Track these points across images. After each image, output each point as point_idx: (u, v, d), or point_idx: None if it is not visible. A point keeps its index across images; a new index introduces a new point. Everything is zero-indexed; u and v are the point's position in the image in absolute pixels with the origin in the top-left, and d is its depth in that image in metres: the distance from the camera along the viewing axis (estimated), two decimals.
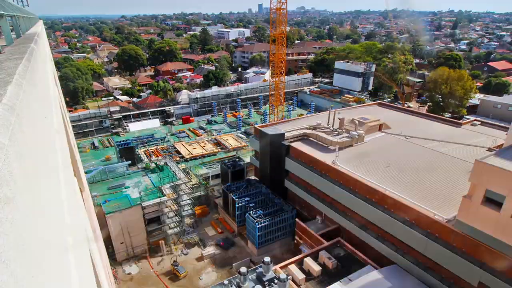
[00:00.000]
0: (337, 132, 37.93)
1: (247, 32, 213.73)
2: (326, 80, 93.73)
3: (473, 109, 64.67)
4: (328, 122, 40.40)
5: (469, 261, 21.60)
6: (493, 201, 20.25)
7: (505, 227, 19.87)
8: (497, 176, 19.51)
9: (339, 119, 39.08)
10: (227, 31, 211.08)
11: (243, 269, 23.65)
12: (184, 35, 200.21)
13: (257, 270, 25.01)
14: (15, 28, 11.07)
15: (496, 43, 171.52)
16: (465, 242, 21.81)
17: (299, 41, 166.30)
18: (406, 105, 70.57)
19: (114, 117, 63.29)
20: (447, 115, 63.66)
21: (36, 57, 7.06)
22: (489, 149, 34.55)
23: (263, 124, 45.79)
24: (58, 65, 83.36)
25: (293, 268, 26.94)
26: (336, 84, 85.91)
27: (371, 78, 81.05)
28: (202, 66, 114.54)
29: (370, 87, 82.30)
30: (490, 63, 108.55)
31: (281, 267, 26.96)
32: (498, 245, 20.23)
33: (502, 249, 20.08)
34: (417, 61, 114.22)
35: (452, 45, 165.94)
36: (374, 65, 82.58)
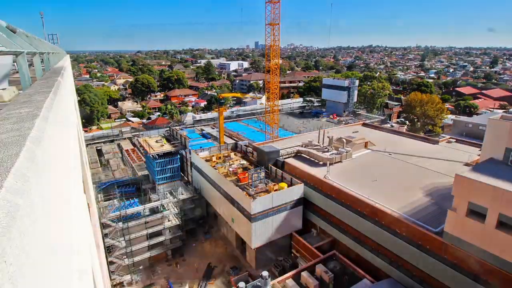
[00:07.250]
0: (327, 149, 36.52)
1: (246, 64, 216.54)
2: (316, 104, 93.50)
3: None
4: (319, 140, 39.14)
5: (461, 273, 19.54)
6: (477, 213, 18.56)
7: (491, 238, 18.04)
8: (477, 189, 18.00)
9: (328, 137, 37.85)
10: (228, 63, 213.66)
11: (242, 284, 21.28)
12: (191, 67, 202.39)
13: (255, 285, 22.62)
14: (45, 62, 11.32)
15: (460, 72, 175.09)
16: (455, 253, 19.82)
17: (290, 71, 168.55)
18: (389, 124, 69.83)
19: (124, 137, 61.71)
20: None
21: (61, 90, 7.20)
22: (466, 164, 33.16)
23: (260, 142, 44.40)
24: (78, 91, 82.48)
25: (290, 282, 24.36)
26: (324, 97, 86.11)
27: (355, 92, 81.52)
28: (206, 92, 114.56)
29: (355, 99, 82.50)
30: (457, 89, 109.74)
31: (278, 282, 24.42)
32: (488, 256, 18.30)
33: (492, 261, 18.13)
34: (394, 87, 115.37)
35: (422, 73, 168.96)
36: (357, 80, 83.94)
